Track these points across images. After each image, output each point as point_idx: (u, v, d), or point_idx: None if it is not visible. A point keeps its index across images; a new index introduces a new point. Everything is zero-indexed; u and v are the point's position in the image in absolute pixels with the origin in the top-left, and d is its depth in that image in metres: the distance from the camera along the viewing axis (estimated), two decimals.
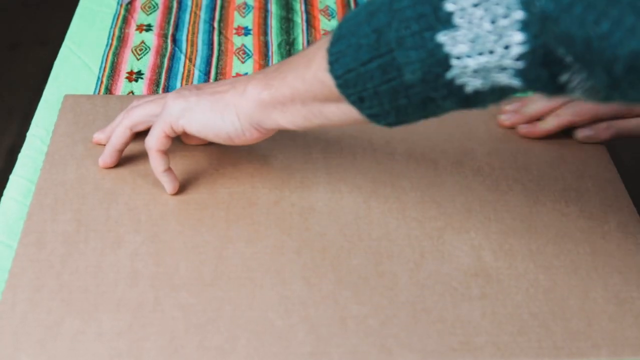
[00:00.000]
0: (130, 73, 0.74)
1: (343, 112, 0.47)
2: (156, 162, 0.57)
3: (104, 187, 0.59)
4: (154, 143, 0.56)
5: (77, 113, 0.66)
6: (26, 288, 0.52)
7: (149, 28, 0.80)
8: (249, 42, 0.79)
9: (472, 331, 0.50)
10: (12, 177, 0.61)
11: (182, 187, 0.60)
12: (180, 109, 0.55)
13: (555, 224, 0.58)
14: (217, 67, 0.75)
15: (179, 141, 0.63)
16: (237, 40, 0.79)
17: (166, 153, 0.57)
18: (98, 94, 0.70)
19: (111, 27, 0.80)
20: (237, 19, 0.83)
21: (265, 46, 0.79)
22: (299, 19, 0.83)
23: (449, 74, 0.40)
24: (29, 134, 0.66)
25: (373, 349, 0.49)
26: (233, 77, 0.74)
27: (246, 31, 0.81)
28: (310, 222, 0.57)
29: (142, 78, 0.73)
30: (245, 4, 0.85)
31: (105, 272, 0.53)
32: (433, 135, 0.66)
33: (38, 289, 0.52)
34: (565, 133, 0.66)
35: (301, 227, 0.57)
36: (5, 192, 0.60)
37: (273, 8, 0.85)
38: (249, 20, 0.83)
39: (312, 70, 0.47)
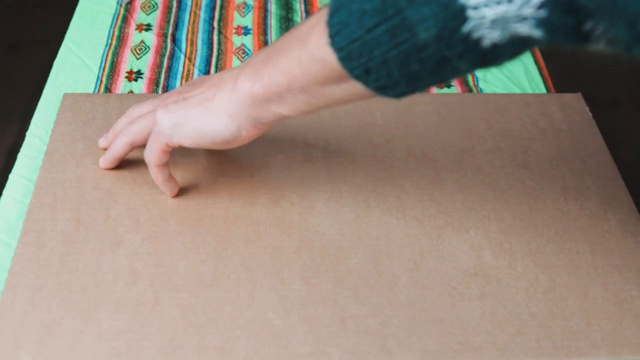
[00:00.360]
0: (130, 72, 0.74)
1: (347, 90, 0.45)
2: (156, 175, 0.57)
3: (104, 186, 0.59)
4: (151, 158, 0.55)
5: (77, 112, 0.66)
6: (26, 287, 0.52)
7: (148, 28, 0.80)
8: (249, 41, 0.79)
9: (471, 331, 0.50)
10: (12, 177, 0.62)
11: (182, 187, 0.60)
12: (170, 126, 0.52)
13: (555, 223, 0.58)
14: (216, 67, 0.75)
15: None
16: (237, 40, 0.79)
17: (165, 165, 0.57)
18: (97, 93, 0.70)
19: (111, 27, 0.80)
20: (237, 19, 0.83)
21: (264, 46, 0.79)
22: (299, 18, 0.83)
23: (466, 27, 0.37)
24: (28, 134, 0.66)
25: (372, 349, 0.49)
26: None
27: (246, 31, 0.81)
28: (310, 221, 0.57)
29: (141, 77, 0.73)
30: (245, 3, 0.85)
31: (104, 272, 0.53)
32: (433, 134, 0.65)
33: (37, 288, 0.52)
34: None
35: (301, 226, 0.57)
36: (5, 191, 0.60)
37: (273, 8, 0.84)
38: (249, 20, 0.83)
39: (309, 49, 0.44)
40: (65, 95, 0.68)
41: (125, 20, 0.81)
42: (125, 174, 0.60)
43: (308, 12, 0.84)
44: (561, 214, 0.59)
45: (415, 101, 0.69)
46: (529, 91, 0.73)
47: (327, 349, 0.49)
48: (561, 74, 0.76)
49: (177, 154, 0.62)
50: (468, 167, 0.63)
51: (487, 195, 0.60)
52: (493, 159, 0.64)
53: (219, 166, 0.62)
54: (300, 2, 0.85)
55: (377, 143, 0.64)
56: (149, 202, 0.58)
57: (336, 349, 0.49)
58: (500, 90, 0.73)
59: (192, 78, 0.74)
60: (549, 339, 0.50)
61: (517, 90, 0.73)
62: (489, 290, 0.53)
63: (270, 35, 0.80)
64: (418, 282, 0.53)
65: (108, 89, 0.71)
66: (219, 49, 0.78)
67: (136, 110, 0.59)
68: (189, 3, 0.84)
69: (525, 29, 0.37)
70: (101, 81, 0.72)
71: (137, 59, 0.75)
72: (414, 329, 0.50)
